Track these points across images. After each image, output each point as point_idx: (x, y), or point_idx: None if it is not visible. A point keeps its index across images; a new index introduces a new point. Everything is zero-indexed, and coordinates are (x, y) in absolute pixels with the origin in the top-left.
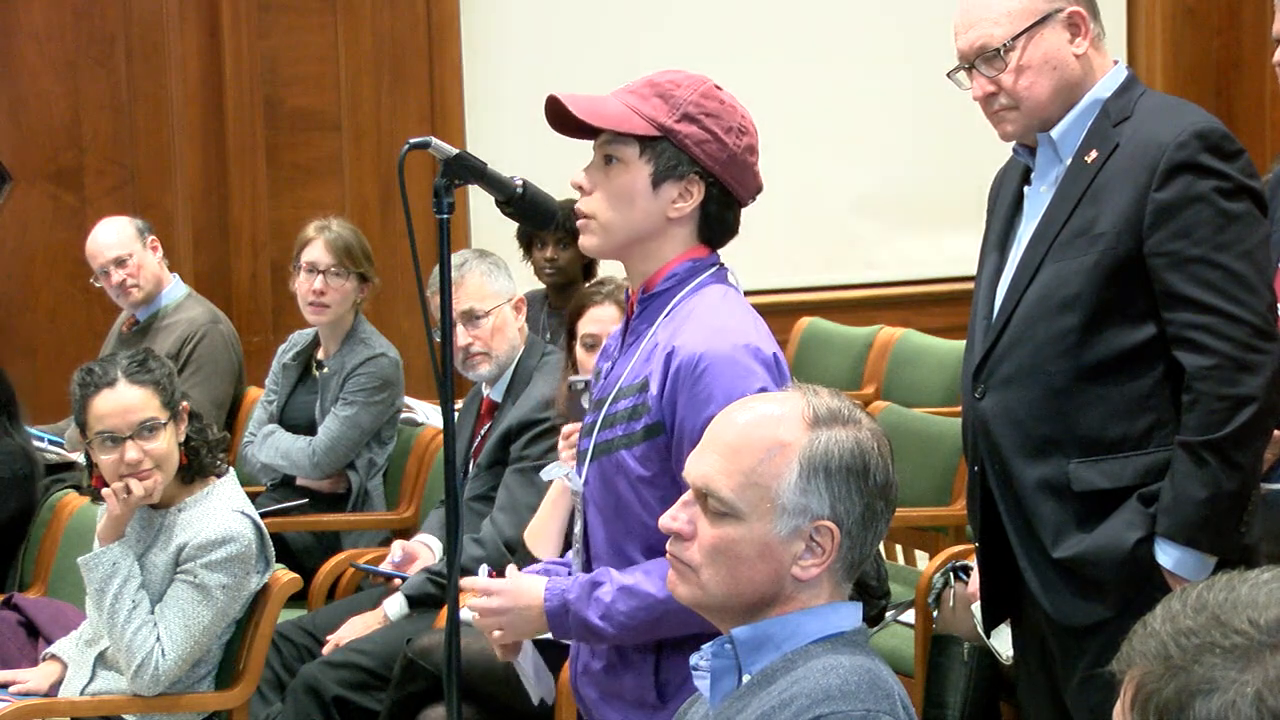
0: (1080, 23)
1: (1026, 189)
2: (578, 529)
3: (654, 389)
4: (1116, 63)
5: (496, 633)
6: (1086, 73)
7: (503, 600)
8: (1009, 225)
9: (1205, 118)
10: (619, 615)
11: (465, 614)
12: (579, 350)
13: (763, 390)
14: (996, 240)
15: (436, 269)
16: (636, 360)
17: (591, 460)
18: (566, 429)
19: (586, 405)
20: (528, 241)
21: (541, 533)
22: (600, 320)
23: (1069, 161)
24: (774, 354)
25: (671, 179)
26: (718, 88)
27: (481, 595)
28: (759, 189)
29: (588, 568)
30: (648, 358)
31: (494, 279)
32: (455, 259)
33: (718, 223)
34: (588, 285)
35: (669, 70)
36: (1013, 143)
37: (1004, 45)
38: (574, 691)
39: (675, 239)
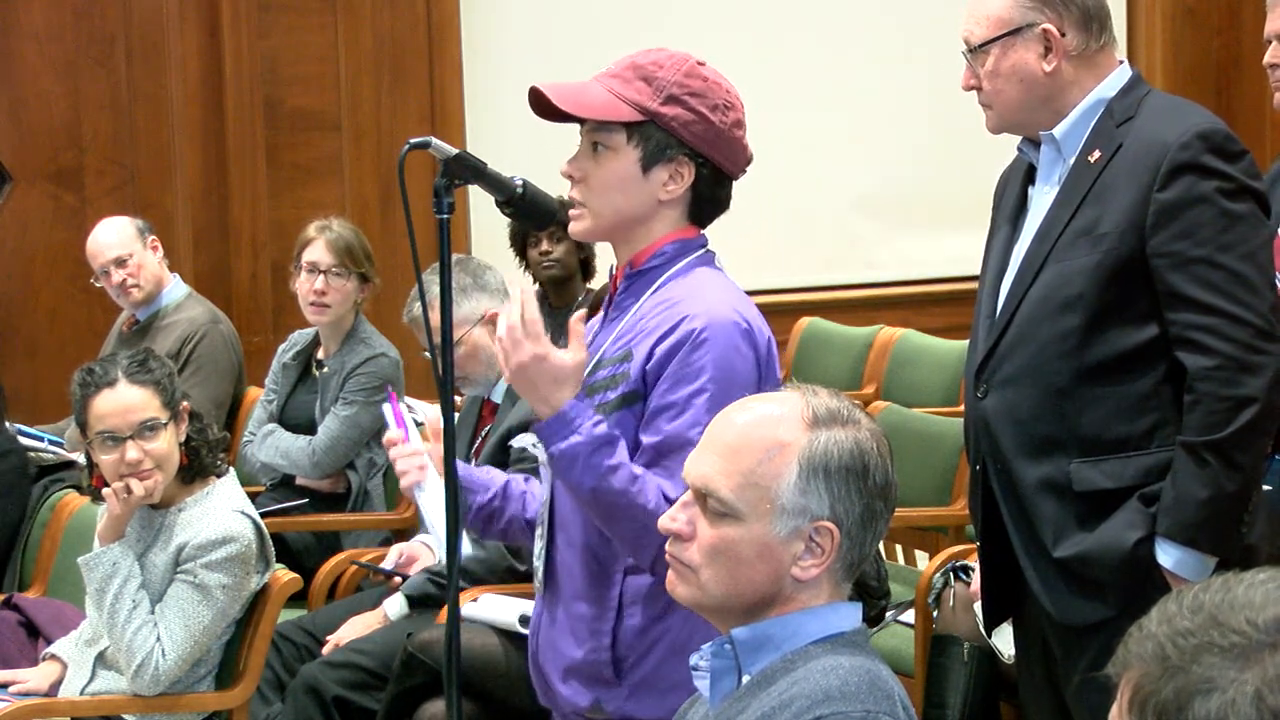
0: (1053, 41)
1: (1031, 188)
2: (544, 496)
3: (639, 357)
4: (1122, 63)
5: (505, 368)
6: (1061, 88)
7: (537, 350)
8: (1013, 224)
9: (1209, 118)
10: (606, 478)
11: (466, 610)
12: None
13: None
14: (1001, 239)
15: (416, 290)
16: (619, 333)
17: None
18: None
19: None
20: (521, 242)
21: None
22: None
23: (1072, 161)
24: (768, 338)
25: (661, 162)
26: (700, 64)
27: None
28: (749, 161)
29: (550, 534)
30: (633, 329)
31: (459, 303)
32: (425, 277)
33: (709, 201)
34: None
35: (651, 50)
36: (1017, 141)
37: (979, 46)
38: (531, 664)
39: (665, 219)
